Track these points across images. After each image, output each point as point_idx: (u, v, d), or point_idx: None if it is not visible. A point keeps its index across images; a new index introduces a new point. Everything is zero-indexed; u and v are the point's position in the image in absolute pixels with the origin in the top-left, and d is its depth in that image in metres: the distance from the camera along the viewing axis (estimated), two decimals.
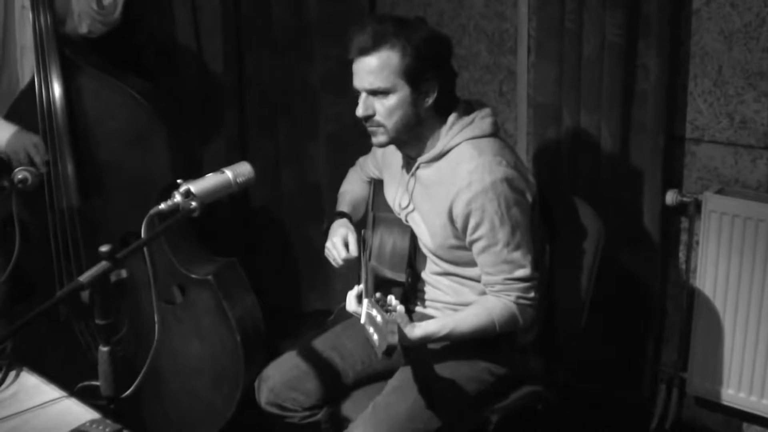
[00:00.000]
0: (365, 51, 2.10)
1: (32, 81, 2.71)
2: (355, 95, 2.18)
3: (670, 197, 2.79)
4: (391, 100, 2.12)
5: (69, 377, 2.10)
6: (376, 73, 2.10)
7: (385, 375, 2.34)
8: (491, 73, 3.22)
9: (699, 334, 2.81)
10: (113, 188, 2.79)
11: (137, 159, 2.78)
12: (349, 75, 2.19)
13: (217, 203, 1.88)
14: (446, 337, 2.11)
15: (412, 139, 2.22)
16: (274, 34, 3.48)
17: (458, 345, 2.23)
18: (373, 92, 2.12)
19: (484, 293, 2.21)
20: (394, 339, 1.83)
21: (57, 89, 2.66)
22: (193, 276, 2.81)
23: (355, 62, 2.13)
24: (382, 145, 2.22)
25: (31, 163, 2.62)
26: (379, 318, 1.89)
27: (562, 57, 2.84)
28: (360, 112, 2.15)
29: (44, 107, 2.66)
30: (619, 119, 2.75)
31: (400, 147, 2.27)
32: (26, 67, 2.77)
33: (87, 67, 2.74)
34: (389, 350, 1.83)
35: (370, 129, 2.19)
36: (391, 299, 1.98)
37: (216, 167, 1.92)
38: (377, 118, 2.14)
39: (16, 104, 2.75)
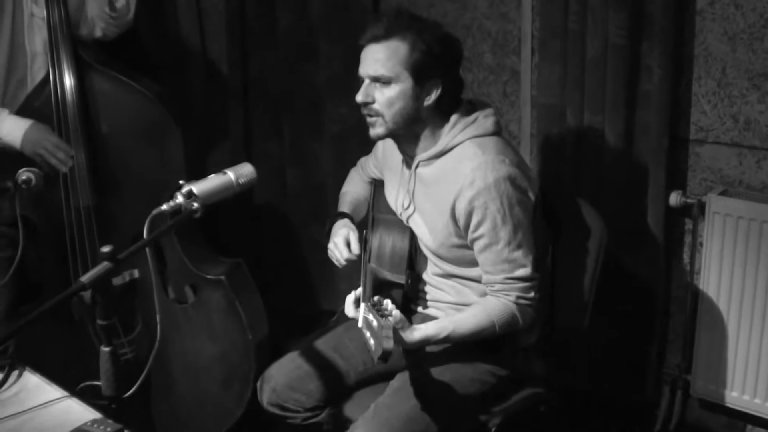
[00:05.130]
0: (376, 39, 2.12)
1: (44, 78, 2.72)
2: (358, 84, 2.18)
3: (674, 198, 2.78)
4: (393, 90, 2.12)
5: (80, 377, 2.11)
6: (383, 61, 2.11)
7: (386, 376, 2.34)
8: (495, 74, 3.21)
9: (703, 336, 2.80)
10: (127, 188, 2.81)
11: (151, 159, 2.80)
12: (353, 76, 2.20)
13: (222, 204, 1.89)
14: (446, 340, 2.10)
15: (409, 136, 2.22)
16: (279, 35, 3.49)
17: (460, 346, 2.23)
18: (376, 79, 2.13)
19: (485, 294, 2.20)
20: (390, 344, 1.83)
21: (70, 87, 2.68)
22: (207, 276, 2.82)
23: (365, 49, 2.16)
24: (379, 137, 2.22)
25: (54, 157, 2.64)
26: (375, 323, 1.89)
27: (565, 58, 2.84)
28: (360, 97, 2.16)
29: (59, 105, 2.68)
30: (622, 120, 2.75)
31: (397, 143, 2.28)
32: (37, 73, 2.78)
33: (101, 68, 2.75)
34: (384, 355, 1.83)
35: (368, 119, 2.19)
36: (387, 303, 1.98)
37: (221, 168, 1.93)
38: (375, 106, 2.15)
39: (27, 102, 2.76)
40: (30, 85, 2.78)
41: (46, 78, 2.70)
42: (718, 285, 2.72)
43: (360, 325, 1.98)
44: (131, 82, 2.77)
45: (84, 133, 2.71)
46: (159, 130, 2.78)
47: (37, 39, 2.73)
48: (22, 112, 2.72)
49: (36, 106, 2.72)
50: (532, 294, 2.15)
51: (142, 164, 2.80)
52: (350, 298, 2.16)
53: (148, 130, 2.79)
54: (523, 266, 2.13)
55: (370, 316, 1.92)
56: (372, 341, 1.89)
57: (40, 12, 2.70)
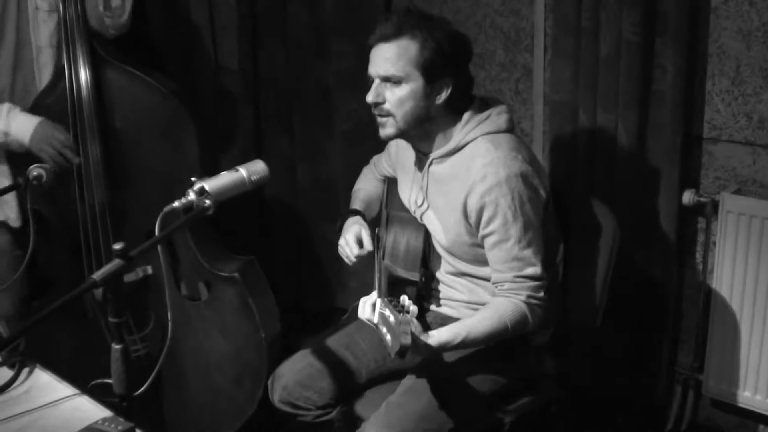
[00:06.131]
0: (386, 38, 2.11)
1: (58, 74, 2.71)
2: (368, 84, 2.17)
3: (687, 197, 2.76)
4: (403, 90, 2.11)
5: (91, 374, 2.10)
6: (393, 61, 2.10)
7: (398, 374, 2.34)
8: (507, 71, 3.20)
9: (715, 335, 2.79)
10: (141, 184, 2.80)
11: (166, 155, 2.79)
12: (364, 73, 2.19)
13: (231, 201, 1.88)
14: (461, 345, 2.05)
15: (421, 135, 2.21)
16: (289, 31, 3.48)
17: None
18: (387, 79, 2.12)
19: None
20: (407, 340, 1.81)
21: (86, 81, 2.67)
22: (221, 273, 2.82)
23: (374, 49, 2.14)
24: (390, 138, 2.21)
25: (60, 155, 2.63)
26: (392, 318, 1.87)
27: (578, 55, 2.82)
28: (370, 98, 2.15)
29: (74, 100, 2.67)
30: (636, 118, 2.73)
31: (410, 142, 2.27)
32: (43, 67, 2.77)
33: (116, 63, 2.74)
34: (402, 351, 1.82)
35: (378, 119, 2.18)
36: (404, 299, 1.96)
37: (231, 165, 1.92)
38: (386, 106, 2.14)
39: (40, 99, 2.75)
40: (37, 78, 2.77)
41: (60, 73, 2.70)
42: (731, 284, 2.70)
43: (376, 321, 1.96)
44: (147, 78, 2.76)
45: (99, 129, 2.70)
46: (174, 126, 2.77)
47: (42, 32, 2.72)
48: (34, 109, 2.71)
49: (48, 103, 2.72)
50: (541, 294, 2.13)
51: (156, 160, 2.79)
52: (367, 301, 2.09)
53: (163, 126, 2.78)
54: (533, 265, 2.12)
55: (387, 312, 1.90)
56: (389, 337, 1.87)
57: (45, 5, 2.70)
